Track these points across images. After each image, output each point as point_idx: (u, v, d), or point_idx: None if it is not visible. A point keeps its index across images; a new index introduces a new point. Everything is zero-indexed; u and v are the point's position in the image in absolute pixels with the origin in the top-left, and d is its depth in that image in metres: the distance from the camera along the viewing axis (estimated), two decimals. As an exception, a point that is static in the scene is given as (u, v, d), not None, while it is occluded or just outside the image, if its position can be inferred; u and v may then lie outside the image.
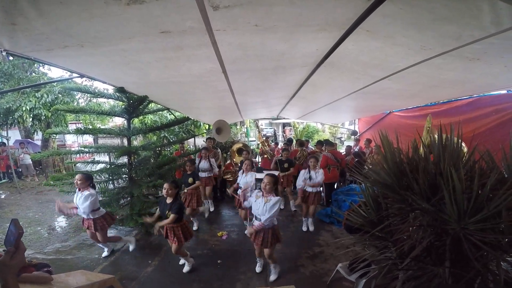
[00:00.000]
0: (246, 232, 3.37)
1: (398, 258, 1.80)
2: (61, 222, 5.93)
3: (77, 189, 3.76)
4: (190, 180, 4.98)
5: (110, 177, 5.26)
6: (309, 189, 4.87)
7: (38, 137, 12.31)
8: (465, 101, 4.90)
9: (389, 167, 1.82)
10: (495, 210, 1.40)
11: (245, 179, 4.66)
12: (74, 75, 3.22)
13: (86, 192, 3.69)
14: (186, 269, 3.78)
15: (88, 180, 3.78)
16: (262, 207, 3.24)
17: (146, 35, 1.96)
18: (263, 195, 3.32)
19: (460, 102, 5.01)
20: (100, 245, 4.18)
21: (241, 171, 4.85)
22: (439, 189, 1.62)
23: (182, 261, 3.93)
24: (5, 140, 9.58)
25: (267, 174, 3.36)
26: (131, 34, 1.95)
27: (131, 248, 4.31)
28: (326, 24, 1.96)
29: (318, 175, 4.82)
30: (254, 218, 3.41)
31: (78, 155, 5.21)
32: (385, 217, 1.97)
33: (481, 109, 4.65)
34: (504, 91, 4.24)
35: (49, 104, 9.52)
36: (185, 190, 4.97)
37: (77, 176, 3.74)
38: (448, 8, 1.53)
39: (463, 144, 2.44)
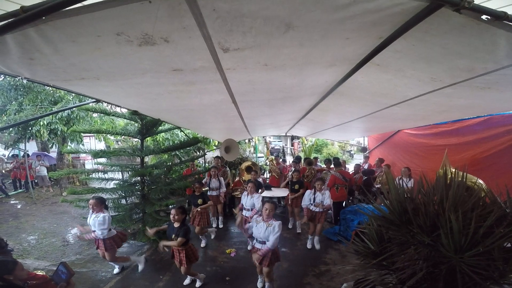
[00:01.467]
0: (254, 257, 3.39)
1: (399, 283, 1.88)
2: (75, 234, 5.97)
3: (91, 211, 3.86)
4: (200, 201, 5.01)
5: (123, 194, 5.36)
6: (315, 209, 4.83)
7: (54, 150, 12.68)
8: (477, 120, 4.79)
9: (393, 207, 1.87)
10: (491, 246, 1.49)
11: (251, 200, 4.70)
12: (91, 100, 3.38)
13: (101, 215, 3.78)
14: (198, 284, 3.89)
15: (102, 203, 3.88)
16: (264, 231, 3.29)
17: (158, 72, 2.03)
18: (263, 219, 3.36)
19: (472, 121, 4.89)
20: (111, 263, 4.22)
21: (245, 192, 4.92)
22: (439, 226, 1.67)
23: (186, 281, 3.95)
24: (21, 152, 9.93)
25: (267, 201, 3.42)
26: (143, 71, 2.02)
27: (140, 268, 4.31)
28: (335, 60, 2.00)
29: (326, 198, 4.76)
30: (255, 241, 3.44)
31: (93, 173, 5.36)
32: (387, 247, 2.02)
33: (493, 128, 4.54)
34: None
35: (65, 119, 9.87)
36: (198, 209, 4.98)
37: (91, 201, 3.82)
38: (462, 44, 1.53)
39: (471, 179, 2.42)
